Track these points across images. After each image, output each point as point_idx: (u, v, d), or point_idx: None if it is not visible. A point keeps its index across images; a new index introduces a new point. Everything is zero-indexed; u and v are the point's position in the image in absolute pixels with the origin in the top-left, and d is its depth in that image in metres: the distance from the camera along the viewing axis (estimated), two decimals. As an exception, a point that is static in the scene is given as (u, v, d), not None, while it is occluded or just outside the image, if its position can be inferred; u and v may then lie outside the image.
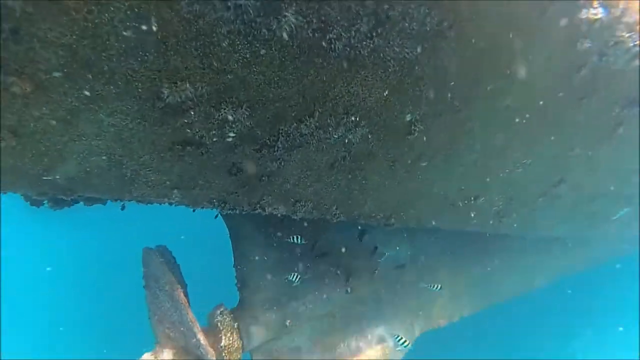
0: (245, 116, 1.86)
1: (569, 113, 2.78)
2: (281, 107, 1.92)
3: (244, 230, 3.47)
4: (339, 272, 4.06)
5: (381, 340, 4.49)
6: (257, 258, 3.50)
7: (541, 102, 2.55)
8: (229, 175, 2.20)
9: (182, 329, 2.56)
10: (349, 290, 4.10)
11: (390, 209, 3.07)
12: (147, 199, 2.18)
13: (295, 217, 2.72)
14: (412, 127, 2.28)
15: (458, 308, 5.24)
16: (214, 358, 2.57)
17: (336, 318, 4.10)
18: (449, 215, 3.51)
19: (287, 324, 3.53)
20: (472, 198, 3.38)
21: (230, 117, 1.82)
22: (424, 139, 2.41)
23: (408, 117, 2.23)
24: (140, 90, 1.58)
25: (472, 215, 3.69)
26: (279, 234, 3.59)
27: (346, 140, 2.22)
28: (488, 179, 3.19)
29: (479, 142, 2.67)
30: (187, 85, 1.65)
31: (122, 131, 1.70)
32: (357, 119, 2.11)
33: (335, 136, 2.16)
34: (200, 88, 1.70)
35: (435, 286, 4.14)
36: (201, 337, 2.52)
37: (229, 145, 2.01)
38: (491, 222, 4.07)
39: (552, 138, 2.97)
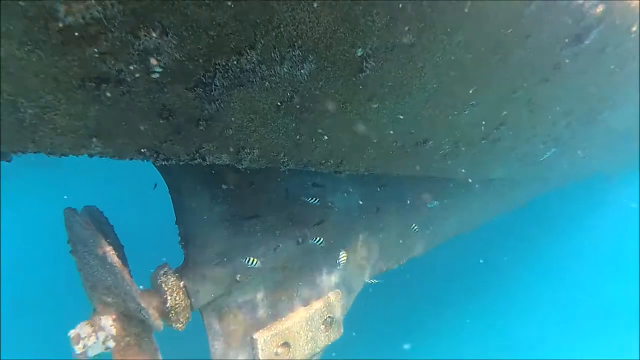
0: (173, 46, 1.56)
1: (516, 52, 2.76)
2: (216, 36, 1.64)
3: (185, 184, 3.19)
4: (290, 222, 3.97)
5: (334, 287, 4.58)
6: (201, 212, 3.27)
7: (491, 39, 2.48)
8: (159, 119, 1.91)
9: (119, 293, 2.34)
10: (300, 241, 4.05)
11: (341, 155, 2.95)
12: (60, 151, 1.84)
13: (240, 167, 2.51)
14: (364, 64, 2.11)
15: (406, 251, 5.48)
16: (159, 320, 2.41)
17: (288, 269, 4.07)
18: (399, 160, 3.49)
19: (238, 278, 3.42)
20: (422, 142, 3.37)
21: (153, 47, 1.51)
22: (376, 77, 2.26)
23: (359, 52, 2.04)
24: (22, 3, 1.22)
25: (421, 159, 3.71)
26: (224, 185, 3.36)
27: (293, 78, 2.00)
28: (437, 122, 3.16)
29: (431, 81, 2.57)
30: (92, 1, 1.31)
31: (8, 62, 1.34)
32: (304, 52, 1.88)
33: (281, 73, 1.93)
34: (111, 7, 1.37)
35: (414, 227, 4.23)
36: (141, 299, 2.33)
37: (155, 83, 1.71)
38: (439, 166, 4.15)
39: (499, 78, 2.96)
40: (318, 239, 3.89)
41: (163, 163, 2.25)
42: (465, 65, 2.59)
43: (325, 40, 1.88)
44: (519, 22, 2.44)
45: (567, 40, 2.86)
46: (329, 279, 4.54)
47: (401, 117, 2.80)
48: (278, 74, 1.94)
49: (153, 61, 1.58)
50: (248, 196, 3.68)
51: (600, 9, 2.63)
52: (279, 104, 2.14)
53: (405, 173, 3.98)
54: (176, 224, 3.27)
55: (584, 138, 5.44)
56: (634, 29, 3.01)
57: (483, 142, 3.96)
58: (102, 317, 2.45)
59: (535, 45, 2.76)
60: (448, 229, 5.73)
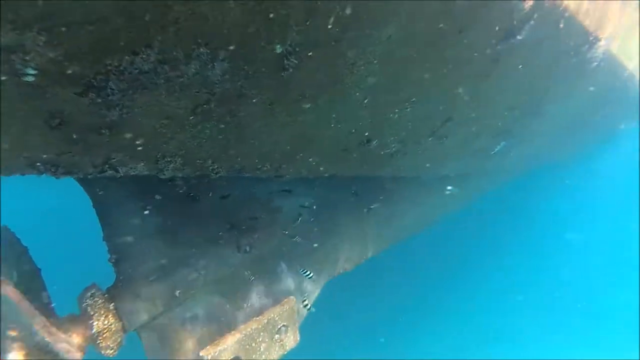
0: (43, 43, 1.34)
1: (452, 46, 2.69)
2: (101, 32, 1.43)
3: (111, 195, 2.93)
4: (234, 230, 3.77)
5: (287, 294, 4.42)
6: (132, 225, 3.02)
7: (424, 34, 2.39)
8: (49, 128, 1.67)
9: (23, 326, 2.07)
10: (248, 249, 3.86)
11: (278, 159, 2.79)
12: None
13: (163, 176, 2.30)
14: (285, 61, 1.95)
15: (363, 251, 5.40)
16: (73, 353, 2.16)
17: (236, 279, 3.87)
18: (345, 162, 3.38)
19: (177, 294, 3.19)
20: (365, 141, 3.26)
21: (14, 44, 1.29)
22: (302, 75, 2.11)
23: (278, 49, 1.88)
24: None
25: (368, 159, 3.61)
26: (157, 196, 3.12)
27: (205, 79, 1.82)
28: (379, 121, 3.06)
29: (365, 78, 2.45)
30: None
31: None
32: (213, 50, 1.70)
33: (189, 73, 1.74)
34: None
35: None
36: (45, 333, 2.07)
37: (32, 87, 1.48)
38: (388, 165, 4.08)
39: (438, 74, 2.89)
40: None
41: (68, 176, 2.01)
42: (401, 62, 2.50)
43: (236, 37, 1.70)
44: (450, 16, 2.36)
45: (501, 34, 2.83)
46: (282, 286, 4.38)
47: (339, 117, 2.67)
48: (186, 74, 1.74)
49: (21, 61, 1.35)
50: (187, 205, 3.45)
51: (529, 3, 2.60)
52: (194, 107, 1.94)
53: (353, 174, 3.87)
54: (104, 239, 3.00)
55: (532, 130, 5.56)
56: (562, 24, 3.04)
57: (431, 139, 3.91)
58: (10, 352, 2.17)
59: (471, 39, 2.71)
60: (406, 227, 5.70)
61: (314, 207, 4.32)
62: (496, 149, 5.51)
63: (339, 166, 3.43)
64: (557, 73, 4.01)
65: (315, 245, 4.63)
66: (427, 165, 4.65)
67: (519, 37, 3.02)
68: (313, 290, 4.82)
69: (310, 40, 1.94)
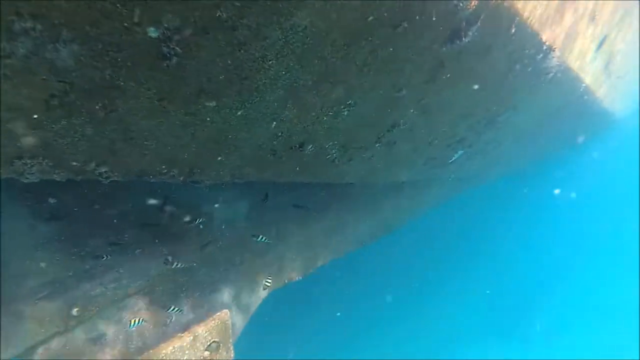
0: None
1: (385, 44, 2.41)
2: None
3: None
4: (156, 240, 3.38)
5: (221, 307, 4.07)
6: (18, 235, 2.59)
7: (348, 28, 2.09)
8: None
9: None
10: (169, 260, 3.47)
11: (188, 163, 2.43)
12: None
13: (27, 180, 1.90)
14: (165, 49, 1.60)
15: (311, 259, 5.10)
16: None
17: (158, 292, 3.49)
18: (274, 166, 3.05)
19: (75, 312, 2.78)
20: (297, 146, 2.94)
21: None
22: (194, 67, 1.76)
23: (152, 32, 1.53)
24: None
25: (304, 165, 3.30)
26: (51, 199, 2.70)
27: (52, 64, 1.44)
28: (311, 124, 2.75)
29: (282, 75, 2.13)
30: None
31: None
32: (52, 28, 1.33)
33: (18, 54, 1.36)
34: None
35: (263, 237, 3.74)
36: None
37: None
38: (331, 171, 3.78)
39: (373, 75, 2.60)
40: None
41: None
42: (323, 58, 2.19)
43: (81, 13, 1.34)
44: (380, 9, 2.07)
45: (445, 36, 2.57)
46: (214, 298, 4.02)
47: (255, 117, 2.34)
48: (14, 54, 1.36)
49: None
50: (97, 211, 3.04)
51: (474, 2, 2.35)
52: (46, 99, 1.56)
53: (289, 179, 3.54)
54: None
55: (489, 140, 5.40)
56: (513, 30, 2.81)
57: (378, 145, 3.64)
58: None
59: (409, 38, 2.43)
60: (361, 235, 5.43)
61: (307, 207, 3.97)
62: (454, 158, 5.33)
63: (271, 171, 3.10)
64: (511, 82, 3.81)
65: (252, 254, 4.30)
66: (378, 172, 4.39)
67: (465, 40, 2.77)
68: (254, 301, 4.48)
69: (196, 25, 1.59)
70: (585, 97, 5.65)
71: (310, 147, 3.03)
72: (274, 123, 2.50)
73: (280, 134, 2.67)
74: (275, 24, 1.78)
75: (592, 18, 4.35)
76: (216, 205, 3.71)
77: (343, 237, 5.15)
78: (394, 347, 12.02)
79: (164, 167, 2.33)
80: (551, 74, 4.24)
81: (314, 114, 2.65)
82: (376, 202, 5.54)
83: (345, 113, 2.86)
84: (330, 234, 5.24)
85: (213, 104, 2.04)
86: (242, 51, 1.83)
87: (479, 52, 3.02)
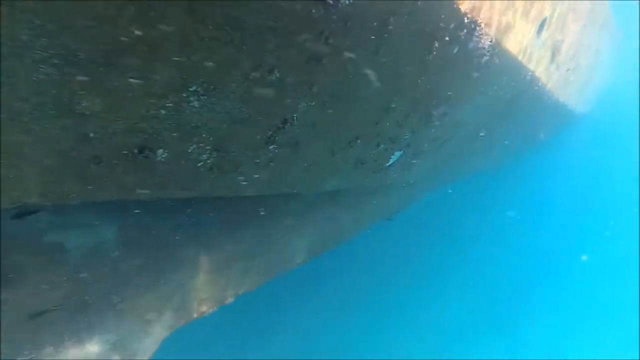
0: None
1: (250, 21, 1.73)
2: None
3: None
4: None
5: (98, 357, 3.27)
6: None
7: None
8: None
9: None
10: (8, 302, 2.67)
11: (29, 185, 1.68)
12: None
13: None
14: None
15: (230, 286, 4.34)
16: None
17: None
18: (110, 179, 2.31)
19: None
20: (136, 151, 2.22)
21: None
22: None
23: None
24: None
25: (163, 175, 2.57)
26: None
27: None
28: (134, 119, 2.03)
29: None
30: None
31: None
32: None
33: None
34: None
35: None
36: None
37: None
38: (218, 182, 3.06)
39: (237, 55, 1.92)
40: None
41: None
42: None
43: None
44: None
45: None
46: (85, 348, 3.21)
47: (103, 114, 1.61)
48: None
49: None
50: None
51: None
52: None
53: (190, 195, 2.81)
54: None
55: (434, 136, 4.79)
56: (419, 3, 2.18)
57: (272, 147, 2.94)
58: None
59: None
60: (285, 257, 4.70)
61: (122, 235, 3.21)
62: (391, 161, 4.69)
63: (109, 185, 2.35)
64: (436, 66, 3.20)
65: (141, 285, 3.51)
66: (291, 180, 3.70)
67: (346, 2, 2.12)
68: (148, 346, 3.68)
69: None
70: (536, 88, 5.11)
71: (160, 151, 2.31)
72: (69, 120, 1.77)
73: (92, 135, 1.93)
74: None
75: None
76: (68, 232, 2.93)
77: (262, 259, 4.42)
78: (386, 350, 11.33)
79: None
80: (486, 57, 3.65)
81: (137, 105, 1.94)
82: (306, 215, 4.84)
83: (196, 104, 2.15)
84: (253, 255, 4.50)
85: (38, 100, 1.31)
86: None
87: (375, 24, 2.38)
